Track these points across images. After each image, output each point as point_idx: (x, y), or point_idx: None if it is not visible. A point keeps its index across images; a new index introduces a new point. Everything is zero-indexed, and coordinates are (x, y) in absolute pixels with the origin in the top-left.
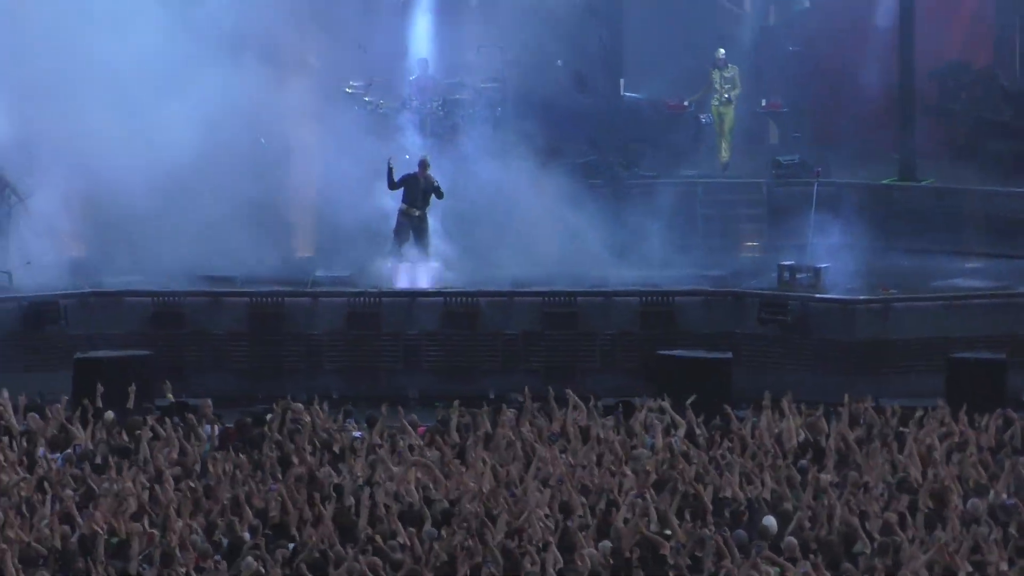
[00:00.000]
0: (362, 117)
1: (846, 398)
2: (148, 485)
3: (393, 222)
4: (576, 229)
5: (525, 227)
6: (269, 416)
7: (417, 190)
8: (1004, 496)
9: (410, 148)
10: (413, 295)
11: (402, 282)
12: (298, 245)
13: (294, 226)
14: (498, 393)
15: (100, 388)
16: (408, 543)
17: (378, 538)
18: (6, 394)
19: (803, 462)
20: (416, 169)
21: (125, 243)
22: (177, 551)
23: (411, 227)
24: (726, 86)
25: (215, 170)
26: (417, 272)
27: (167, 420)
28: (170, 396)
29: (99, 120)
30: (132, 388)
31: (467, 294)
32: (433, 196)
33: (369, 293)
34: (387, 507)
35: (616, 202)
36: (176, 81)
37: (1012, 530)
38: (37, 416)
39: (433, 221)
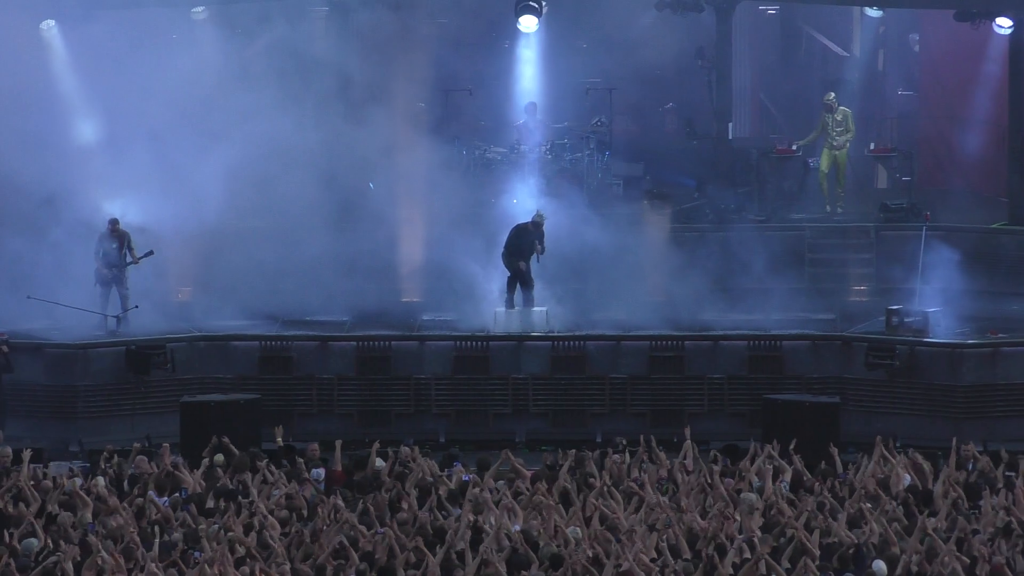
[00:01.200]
0: (469, 162)
1: (954, 442)
2: (256, 528)
3: (501, 268)
4: (683, 273)
5: (632, 271)
6: (377, 460)
7: (525, 241)
8: None
9: (517, 194)
10: (520, 339)
11: (509, 326)
12: (404, 290)
13: (400, 271)
14: (605, 437)
15: (212, 438)
16: None
17: None
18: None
19: (911, 507)
20: (529, 219)
21: (231, 288)
22: None
23: (518, 275)
24: (837, 129)
25: (322, 217)
26: (524, 316)
27: (274, 464)
28: (279, 440)
29: (206, 166)
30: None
31: (574, 338)
32: (539, 253)
33: (477, 336)
34: (494, 551)
35: (723, 246)
36: (284, 127)
37: None
38: (145, 459)
39: (536, 267)
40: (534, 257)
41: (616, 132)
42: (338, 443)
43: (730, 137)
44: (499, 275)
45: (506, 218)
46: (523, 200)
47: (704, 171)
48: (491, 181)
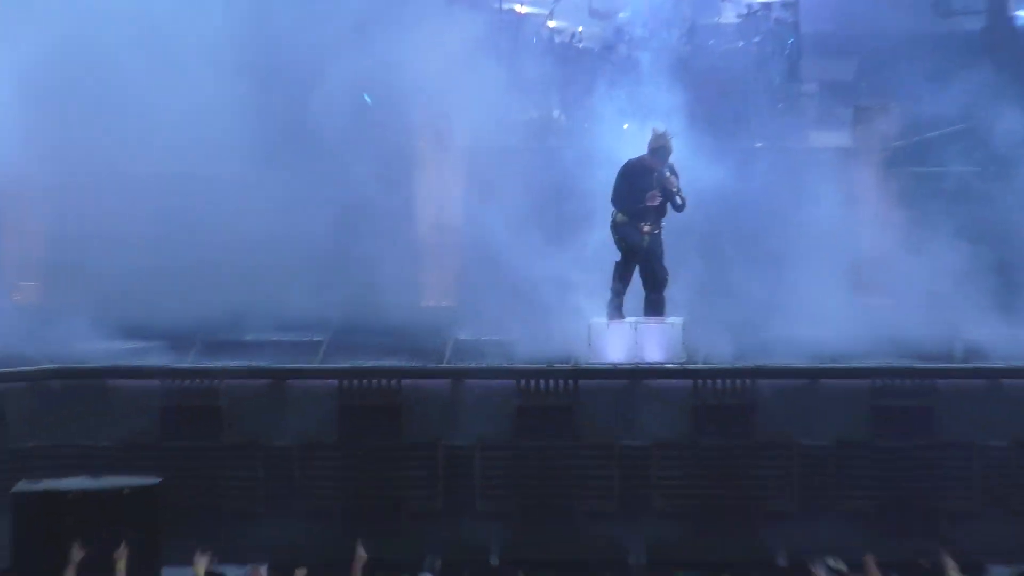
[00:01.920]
0: (536, 50)
1: None
2: None
3: (605, 245)
4: (926, 256)
5: (826, 252)
6: None
7: (643, 189)
8: None
9: (624, 111)
10: (636, 374)
11: (615, 351)
12: (424, 287)
13: (416, 254)
14: (793, 556)
15: (70, 556)
16: None
17: None
18: None
19: None
20: (645, 152)
21: (109, 281)
22: None
23: (637, 254)
24: None
25: (279, 153)
26: (643, 334)
27: None
28: (199, 571)
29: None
30: (122, 553)
31: (735, 373)
32: (674, 207)
33: (555, 371)
34: None
35: (1003, 207)
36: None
37: None
38: None
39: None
40: (664, 217)
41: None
42: (300, 573)
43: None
44: (596, 261)
45: (607, 158)
46: (637, 125)
47: (970, 74)
48: (577, 90)
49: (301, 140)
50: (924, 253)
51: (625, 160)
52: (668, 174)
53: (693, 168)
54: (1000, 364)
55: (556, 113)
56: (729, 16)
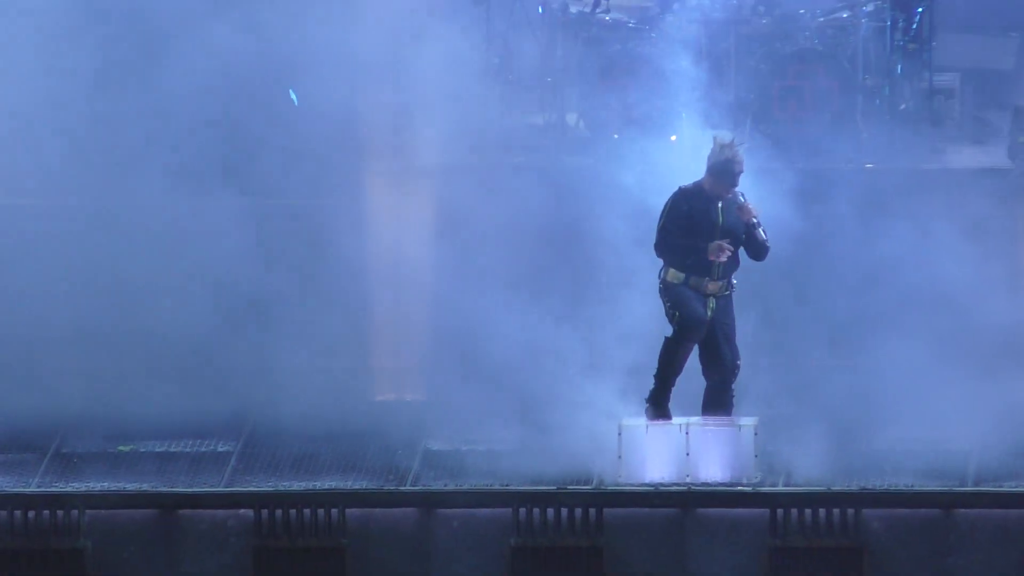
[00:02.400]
0: (552, 29)
1: None
2: None
3: (648, 311)
4: None
5: (953, 326)
6: None
7: (712, 234)
8: None
9: (678, 122)
10: (687, 502)
11: (656, 467)
12: (382, 374)
13: (373, 327)
14: None
15: None
16: None
17: None
18: None
19: None
20: (704, 179)
21: None
22: None
23: (697, 328)
24: None
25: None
26: (698, 442)
27: None
28: None
29: None
30: None
31: (832, 499)
32: (750, 250)
33: (570, 495)
34: None
35: None
36: None
37: None
38: None
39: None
40: (737, 270)
41: None
42: None
43: None
44: (633, 336)
45: (648, 183)
46: (689, 133)
47: None
48: (601, 84)
49: (189, 159)
50: None
51: (676, 188)
52: (741, 202)
53: (767, 198)
54: None
55: (572, 118)
56: None
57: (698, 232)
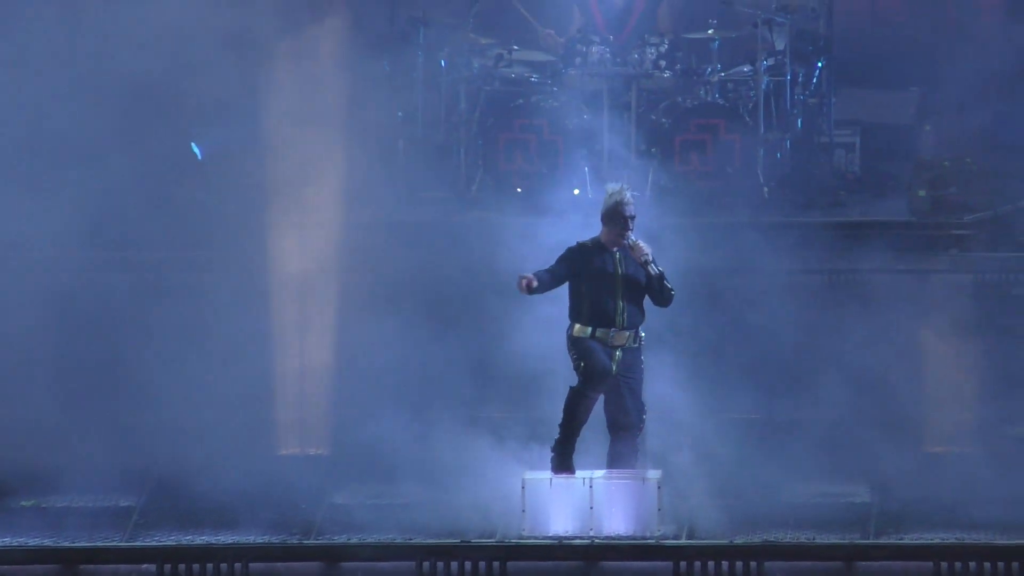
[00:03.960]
0: (455, 86)
1: None
2: None
3: (556, 363)
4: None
5: (854, 372)
6: None
7: (612, 284)
8: None
9: (581, 175)
10: (590, 555)
11: (560, 520)
12: (287, 427)
13: (270, 372)
14: None
15: None
16: None
17: None
18: None
19: None
20: (601, 232)
21: None
22: None
23: (601, 381)
24: None
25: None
26: (602, 496)
27: None
28: None
29: None
30: None
31: (735, 552)
32: (652, 295)
33: (473, 548)
34: None
35: None
36: None
37: None
38: None
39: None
40: (643, 323)
41: (842, 19)
42: None
43: None
44: (537, 389)
45: (558, 234)
46: (590, 184)
47: None
48: (513, 143)
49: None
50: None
51: (574, 243)
52: (632, 242)
53: (670, 252)
54: None
55: (477, 178)
56: (726, 30)
57: (596, 284)
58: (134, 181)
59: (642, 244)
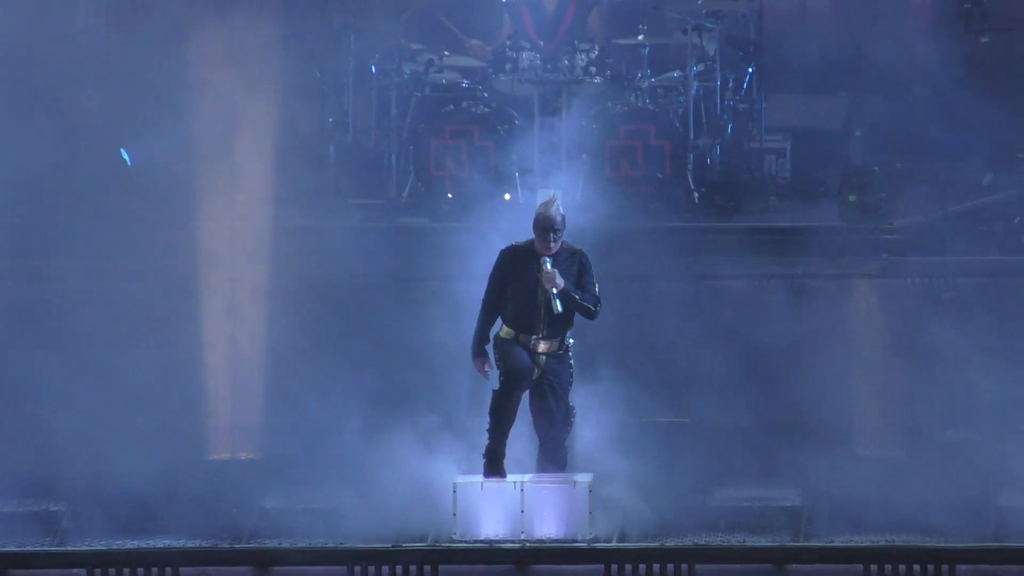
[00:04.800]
0: (386, 92)
1: None
2: None
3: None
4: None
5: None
6: None
7: (535, 292)
8: None
9: (512, 181)
10: (521, 558)
11: (490, 524)
12: (214, 433)
13: (199, 375)
14: None
15: None
16: None
17: None
18: None
19: None
20: (533, 235)
21: None
22: None
23: (519, 383)
24: None
25: None
26: (532, 499)
27: None
28: None
29: None
30: None
31: (664, 555)
32: (576, 310)
33: (404, 553)
34: None
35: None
36: None
37: None
38: None
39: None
40: (571, 328)
41: (772, 24)
42: None
43: None
44: (469, 393)
45: (486, 241)
46: (520, 190)
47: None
48: (444, 149)
49: None
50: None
51: (509, 245)
52: (547, 270)
53: (600, 257)
54: None
55: (408, 184)
56: (656, 36)
57: (521, 291)
58: (60, 188)
59: (550, 275)
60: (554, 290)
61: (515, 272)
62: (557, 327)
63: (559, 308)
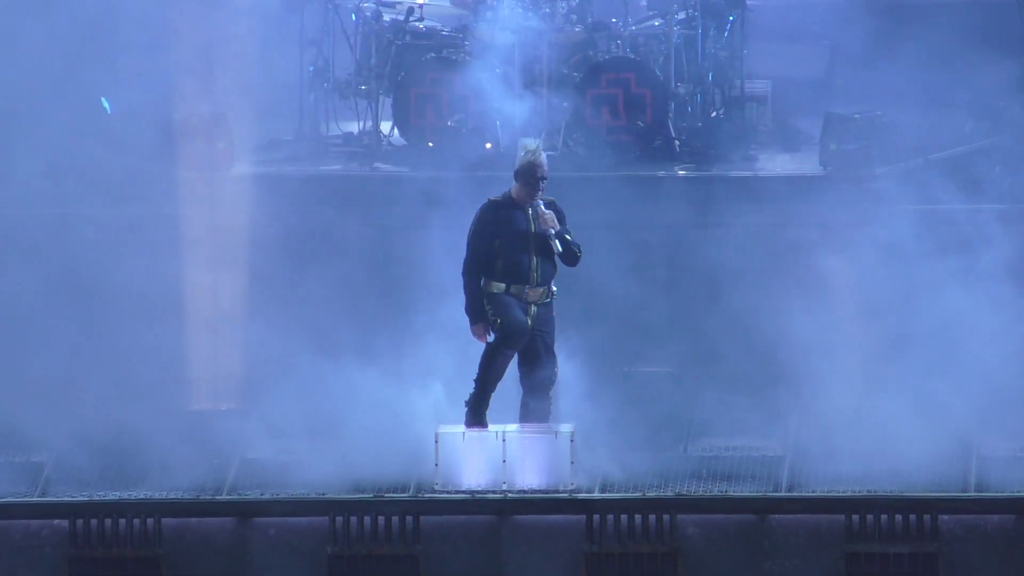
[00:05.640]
0: (365, 35)
1: None
2: None
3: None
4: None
5: (772, 326)
6: None
7: (526, 241)
8: None
9: (493, 129)
10: (503, 509)
11: (473, 474)
12: (194, 384)
13: (177, 327)
14: None
15: None
16: None
17: None
18: None
19: None
20: (513, 187)
21: None
22: None
23: (519, 337)
24: None
25: None
26: (514, 449)
27: None
28: None
29: None
30: None
31: (647, 505)
32: (559, 257)
33: (386, 503)
34: None
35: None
36: None
37: None
38: None
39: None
40: (554, 277)
41: None
42: None
43: None
44: (451, 342)
45: (468, 192)
46: (502, 139)
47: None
48: (424, 97)
49: None
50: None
51: (485, 200)
52: (541, 210)
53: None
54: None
55: (386, 126)
56: None
57: (510, 241)
58: (38, 136)
59: (549, 216)
60: (551, 230)
61: (501, 225)
62: (546, 274)
63: (559, 248)
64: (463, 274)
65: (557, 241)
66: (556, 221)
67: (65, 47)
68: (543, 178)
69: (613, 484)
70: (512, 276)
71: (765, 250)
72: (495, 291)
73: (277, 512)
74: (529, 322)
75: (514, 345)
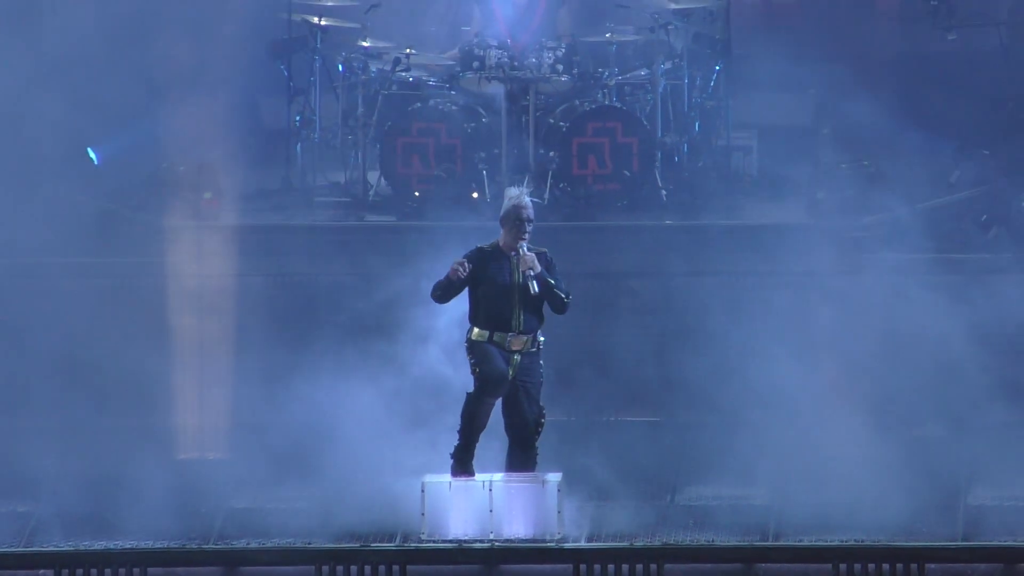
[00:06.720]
0: (352, 90)
1: None
2: None
3: (456, 367)
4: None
5: (764, 374)
6: None
7: (509, 290)
8: None
9: (480, 179)
10: (490, 558)
11: (459, 524)
12: (182, 433)
13: (168, 374)
14: None
15: None
16: None
17: None
18: None
19: None
20: (500, 236)
21: None
22: None
23: (498, 386)
24: None
25: None
26: (501, 499)
27: None
28: None
29: None
30: None
31: (633, 555)
32: (547, 302)
33: (372, 552)
34: None
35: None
36: None
37: None
38: None
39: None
40: (542, 326)
41: (739, 21)
42: None
43: None
44: (438, 393)
45: (454, 241)
46: (488, 188)
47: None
48: (411, 147)
49: None
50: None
51: (474, 247)
52: (523, 252)
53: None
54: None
55: (373, 176)
56: (625, 33)
57: (492, 290)
58: (25, 185)
59: (529, 258)
60: (531, 272)
61: (485, 273)
62: (530, 323)
63: (535, 289)
64: (431, 292)
65: (534, 282)
66: (536, 263)
67: (53, 93)
68: (528, 220)
69: (600, 533)
70: (495, 324)
71: (753, 298)
72: (478, 339)
73: (264, 561)
74: (511, 371)
75: (493, 393)
